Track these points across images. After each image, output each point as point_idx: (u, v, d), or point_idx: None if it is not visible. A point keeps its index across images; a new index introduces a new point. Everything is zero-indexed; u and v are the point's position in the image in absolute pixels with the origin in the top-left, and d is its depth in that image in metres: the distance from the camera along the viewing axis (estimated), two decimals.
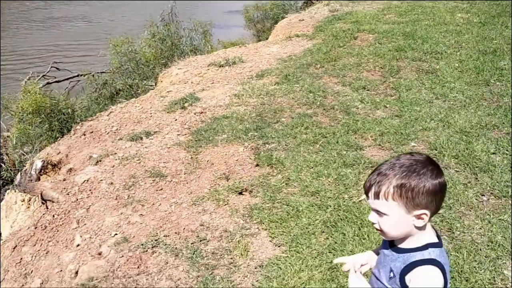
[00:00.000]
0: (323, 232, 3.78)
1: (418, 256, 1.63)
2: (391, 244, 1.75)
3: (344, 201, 4.13)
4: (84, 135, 6.13)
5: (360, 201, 4.12)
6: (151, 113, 6.58)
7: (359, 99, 6.27)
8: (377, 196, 1.64)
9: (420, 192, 1.59)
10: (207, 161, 5.11)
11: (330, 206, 4.07)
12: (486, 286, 3.08)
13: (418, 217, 1.62)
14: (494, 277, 3.16)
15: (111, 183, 4.79)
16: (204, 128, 5.86)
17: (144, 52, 11.70)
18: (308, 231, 3.79)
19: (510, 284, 3.11)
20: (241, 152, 5.24)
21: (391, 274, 1.68)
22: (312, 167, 4.74)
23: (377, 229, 1.71)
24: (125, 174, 4.95)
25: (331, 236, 3.69)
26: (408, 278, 1.63)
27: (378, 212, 1.67)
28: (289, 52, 8.70)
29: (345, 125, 5.53)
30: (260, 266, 3.47)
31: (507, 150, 4.68)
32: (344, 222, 3.82)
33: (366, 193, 1.69)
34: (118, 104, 7.36)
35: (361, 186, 4.34)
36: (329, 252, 3.50)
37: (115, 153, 5.42)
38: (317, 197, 4.24)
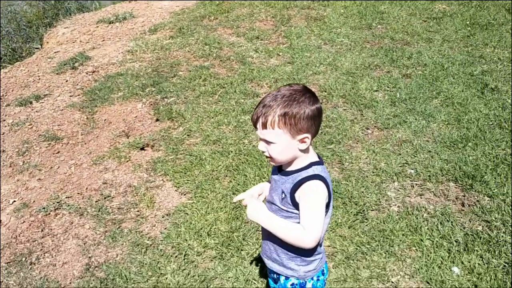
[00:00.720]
0: (226, 176, 3.94)
1: (304, 174, 1.82)
2: (280, 170, 1.93)
3: (245, 146, 4.30)
4: None
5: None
6: (39, 76, 6.21)
7: (253, 48, 6.41)
8: (264, 126, 1.77)
9: (301, 118, 1.75)
10: (105, 120, 5.00)
11: (232, 151, 4.23)
12: (373, 207, 3.45)
13: (302, 141, 1.79)
14: (379, 199, 3.54)
15: (3, 151, 4.53)
16: (98, 87, 5.68)
17: (25, 12, 10.81)
18: (212, 177, 3.93)
19: (394, 203, 3.51)
20: (140, 108, 5.19)
21: (283, 195, 1.86)
22: (212, 117, 4.85)
23: (267, 157, 1.87)
24: (17, 140, 4.70)
25: (234, 179, 3.86)
26: (297, 195, 1.82)
27: (266, 141, 1.81)
28: (182, 5, 8.56)
29: (241, 75, 5.66)
30: (167, 215, 3.56)
31: (387, 87, 5.12)
32: (245, 165, 4.00)
33: (254, 125, 1.83)
34: (1, 70, 6.82)
35: None
36: (233, 194, 3.67)
37: (4, 120, 5.10)
38: (218, 145, 4.37)
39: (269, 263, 2.04)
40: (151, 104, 5.22)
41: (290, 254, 1.93)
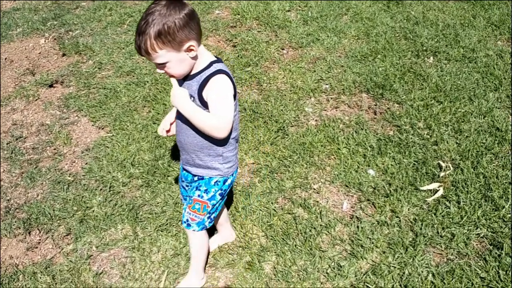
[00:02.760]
0: (145, 106, 3.85)
1: (207, 73, 1.87)
2: (184, 79, 1.94)
3: (160, 75, 4.19)
4: None
5: None
6: None
7: None
8: (147, 53, 1.76)
9: (175, 31, 1.73)
10: (5, 58, 4.62)
11: (148, 82, 4.11)
12: (292, 123, 3.56)
13: (188, 49, 1.80)
14: (298, 115, 3.65)
15: None
16: None
17: None
18: (130, 109, 3.82)
19: (311, 118, 3.64)
20: (43, 44, 4.84)
21: (192, 99, 1.88)
22: (123, 48, 4.64)
23: (170, 76, 1.88)
24: None
25: (153, 109, 3.79)
26: (205, 94, 1.87)
27: (158, 64, 1.81)
28: None
29: (150, 2, 5.39)
30: (86, 150, 3.45)
31: (299, 7, 5.14)
32: (163, 94, 3.92)
33: (140, 54, 1.80)
34: None
35: None
36: (154, 123, 3.61)
37: None
38: (133, 76, 4.23)
39: (193, 170, 2.12)
40: (55, 39, 4.88)
41: (212, 155, 2.03)
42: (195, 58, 1.84)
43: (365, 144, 3.30)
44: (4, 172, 3.31)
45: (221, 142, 2.00)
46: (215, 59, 1.92)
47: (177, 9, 1.73)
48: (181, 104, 1.86)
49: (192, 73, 1.90)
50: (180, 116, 1.98)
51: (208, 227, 2.26)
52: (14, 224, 2.87)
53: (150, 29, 1.70)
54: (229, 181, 2.16)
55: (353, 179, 3.03)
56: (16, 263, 2.65)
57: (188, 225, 2.22)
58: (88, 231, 2.78)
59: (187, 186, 2.26)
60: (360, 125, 3.49)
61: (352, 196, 2.95)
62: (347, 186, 3.00)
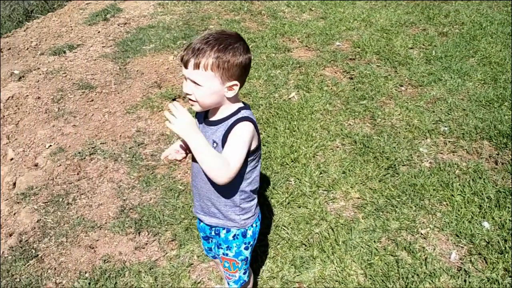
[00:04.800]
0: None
1: (233, 118, 1.80)
2: (205, 119, 1.90)
3: (275, 100, 4.30)
4: (1, 52, 5.76)
5: (289, 98, 4.32)
6: (71, 27, 6.26)
7: (285, 3, 6.31)
8: (197, 66, 1.70)
9: (234, 64, 1.71)
10: (137, 71, 5.05)
11: (262, 105, 4.23)
12: (404, 162, 3.44)
13: (230, 88, 1.75)
14: (411, 155, 3.52)
15: (38, 98, 4.63)
16: (130, 39, 5.70)
17: None
18: None
19: (426, 159, 3.49)
20: (171, 60, 5.21)
21: (214, 145, 1.82)
22: None
23: (191, 100, 1.80)
24: (52, 88, 4.79)
25: (264, 131, 3.88)
26: (228, 140, 1.79)
27: (194, 83, 1.74)
28: None
29: (273, 29, 5.59)
30: None
31: (423, 45, 5.01)
32: (275, 118, 4.01)
33: (185, 65, 1.74)
34: (34, 20, 6.89)
35: (289, 85, 4.54)
36: (263, 145, 3.70)
37: (38, 68, 5.18)
38: (249, 98, 4.38)
39: (207, 219, 2.02)
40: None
41: (229, 204, 1.92)
42: (228, 98, 1.80)
43: (482, 194, 3.08)
44: (124, 173, 3.58)
45: (240, 192, 1.91)
46: (243, 105, 1.87)
47: (244, 49, 1.74)
48: (190, 133, 1.69)
49: (217, 118, 1.84)
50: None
51: (247, 280, 2.18)
52: (127, 223, 3.09)
53: (212, 49, 1.68)
54: (250, 233, 2.02)
55: (465, 230, 2.83)
56: (124, 260, 2.84)
57: (228, 283, 2.17)
58: (192, 240, 2.90)
59: (207, 238, 2.21)
60: (479, 174, 3.27)
61: (462, 247, 2.75)
62: (457, 235, 2.81)
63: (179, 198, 3.27)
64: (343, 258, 2.70)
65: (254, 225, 2.03)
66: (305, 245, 2.78)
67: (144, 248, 2.91)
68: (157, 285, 2.62)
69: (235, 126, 1.76)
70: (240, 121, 1.77)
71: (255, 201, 2.01)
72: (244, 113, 1.81)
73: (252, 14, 6.02)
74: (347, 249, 2.75)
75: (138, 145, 3.89)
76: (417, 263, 2.64)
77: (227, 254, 2.04)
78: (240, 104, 1.86)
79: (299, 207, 3.06)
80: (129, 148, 3.85)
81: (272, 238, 2.85)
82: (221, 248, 2.05)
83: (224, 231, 2.00)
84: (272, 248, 2.79)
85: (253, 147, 1.82)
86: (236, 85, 1.76)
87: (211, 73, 1.69)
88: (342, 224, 2.93)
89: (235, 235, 2.00)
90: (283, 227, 2.91)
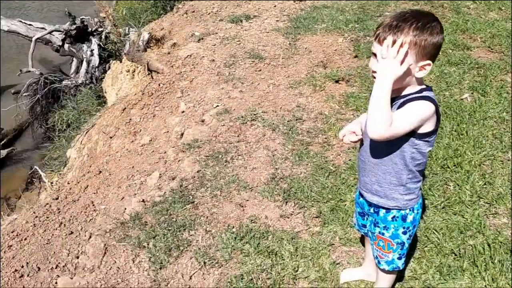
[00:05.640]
0: None
1: (413, 96, 1.76)
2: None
3: (445, 98, 4.05)
4: (186, 13, 6.30)
5: (462, 99, 4.03)
6: None
7: None
8: (393, 44, 1.67)
9: (431, 43, 1.68)
10: (305, 48, 5.13)
11: None
12: None
13: (422, 67, 1.72)
14: None
15: (213, 60, 4.98)
16: (304, 16, 5.80)
17: None
18: None
19: None
20: (340, 42, 5.19)
21: None
22: None
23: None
24: (226, 53, 5.11)
25: None
26: None
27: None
28: None
29: (453, 24, 5.23)
30: (354, 148, 3.59)
31: None
32: (443, 117, 3.78)
33: (381, 40, 1.71)
34: None
35: (463, 85, 4.23)
36: None
37: (216, 33, 5.56)
38: None
39: (369, 196, 2.00)
40: (352, 40, 5.18)
41: (394, 182, 1.89)
42: (416, 79, 1.77)
43: None
44: (279, 144, 3.70)
45: (408, 171, 1.86)
46: (426, 87, 1.82)
47: (440, 30, 1.72)
48: (385, 79, 1.67)
49: (400, 95, 1.80)
50: (367, 133, 1.78)
51: (401, 269, 2.12)
52: (276, 191, 3.20)
53: (413, 26, 1.67)
54: (410, 218, 1.97)
55: None
56: (268, 224, 2.96)
57: (378, 262, 2.12)
58: (336, 221, 2.91)
59: (363, 215, 2.17)
60: None
61: None
62: None
63: (328, 178, 3.29)
64: (497, 278, 2.48)
65: (415, 211, 1.99)
66: (455, 255, 2.61)
67: (288, 218, 3.00)
68: (297, 255, 2.69)
69: (413, 101, 1.75)
70: (420, 99, 1.75)
71: (420, 184, 1.97)
72: (427, 93, 1.78)
73: (432, 6, 5.69)
74: (502, 270, 2.51)
75: (296, 119, 3.98)
76: None
77: (383, 234, 2.03)
78: (423, 86, 1.83)
79: (455, 214, 2.87)
80: (288, 121, 3.96)
81: (420, 239, 2.73)
82: (378, 226, 2.04)
83: (384, 211, 1.99)
84: (418, 249, 2.67)
85: (428, 129, 1.79)
86: (429, 64, 1.74)
87: (405, 49, 1.67)
88: (501, 242, 2.68)
89: (394, 216, 1.98)
90: (434, 230, 2.76)
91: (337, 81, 4.52)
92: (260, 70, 4.76)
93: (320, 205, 3.05)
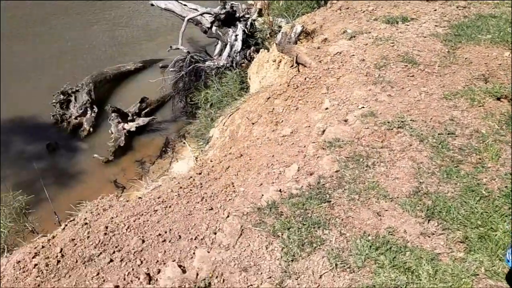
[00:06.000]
0: None
1: None
2: None
3: None
4: (340, 9, 6.22)
5: None
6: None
7: None
8: None
9: None
10: (465, 58, 4.76)
11: None
12: None
13: None
14: None
15: (363, 60, 4.87)
16: (467, 24, 5.39)
17: None
18: None
19: None
20: (506, 56, 4.73)
21: None
22: None
23: None
24: (377, 54, 4.95)
25: None
26: None
27: None
28: None
29: None
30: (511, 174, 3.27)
31: None
32: None
33: None
34: None
35: None
36: None
37: (369, 32, 5.41)
38: None
39: None
40: None
41: None
42: None
43: None
44: (426, 157, 3.50)
45: None
46: None
47: None
48: None
49: None
50: None
51: None
52: (418, 206, 3.04)
53: None
54: None
55: None
56: (407, 239, 2.82)
57: None
58: (483, 250, 2.68)
59: None
60: None
61: None
62: None
63: (479, 202, 3.03)
64: None
65: None
66: None
67: (430, 237, 2.83)
68: (436, 278, 2.53)
69: None
70: None
71: None
72: None
73: None
74: None
75: (448, 133, 3.72)
76: None
77: None
78: None
79: None
80: (438, 134, 3.72)
81: None
82: None
83: None
84: None
85: None
86: None
87: None
88: None
89: None
90: None
91: (498, 98, 4.13)
92: (412, 76, 4.54)
93: (466, 230, 2.82)
